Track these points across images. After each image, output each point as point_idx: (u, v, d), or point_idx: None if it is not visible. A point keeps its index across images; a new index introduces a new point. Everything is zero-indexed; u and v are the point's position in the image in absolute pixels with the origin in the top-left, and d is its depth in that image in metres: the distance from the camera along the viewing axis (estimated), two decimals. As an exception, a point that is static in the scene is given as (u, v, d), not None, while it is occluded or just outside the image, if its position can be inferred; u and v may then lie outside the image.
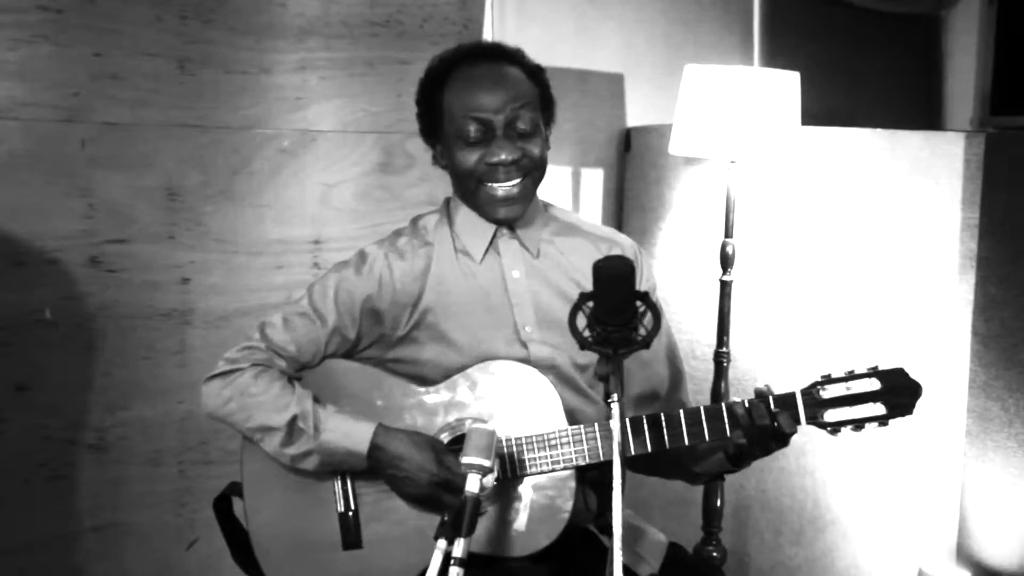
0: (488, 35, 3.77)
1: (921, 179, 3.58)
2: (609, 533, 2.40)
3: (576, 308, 2.04)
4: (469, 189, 2.45)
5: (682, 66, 3.47)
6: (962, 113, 4.50)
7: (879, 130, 3.62)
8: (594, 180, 4.16)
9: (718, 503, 3.54)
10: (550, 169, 3.90)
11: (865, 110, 4.41)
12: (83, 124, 3.15)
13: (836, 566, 3.69)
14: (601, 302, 2.01)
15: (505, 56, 2.50)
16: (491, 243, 2.49)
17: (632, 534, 2.45)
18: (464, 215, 2.51)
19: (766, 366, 3.68)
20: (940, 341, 3.61)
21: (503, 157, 2.37)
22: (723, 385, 3.48)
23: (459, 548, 1.91)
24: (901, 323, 3.59)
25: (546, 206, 2.61)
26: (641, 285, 2.54)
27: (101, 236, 3.21)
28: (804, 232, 3.62)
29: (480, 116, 2.38)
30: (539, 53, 3.98)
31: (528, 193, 2.45)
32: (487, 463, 2.02)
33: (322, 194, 3.53)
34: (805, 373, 3.59)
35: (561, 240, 2.55)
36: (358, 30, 3.52)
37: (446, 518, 1.97)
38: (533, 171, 2.44)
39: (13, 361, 3.14)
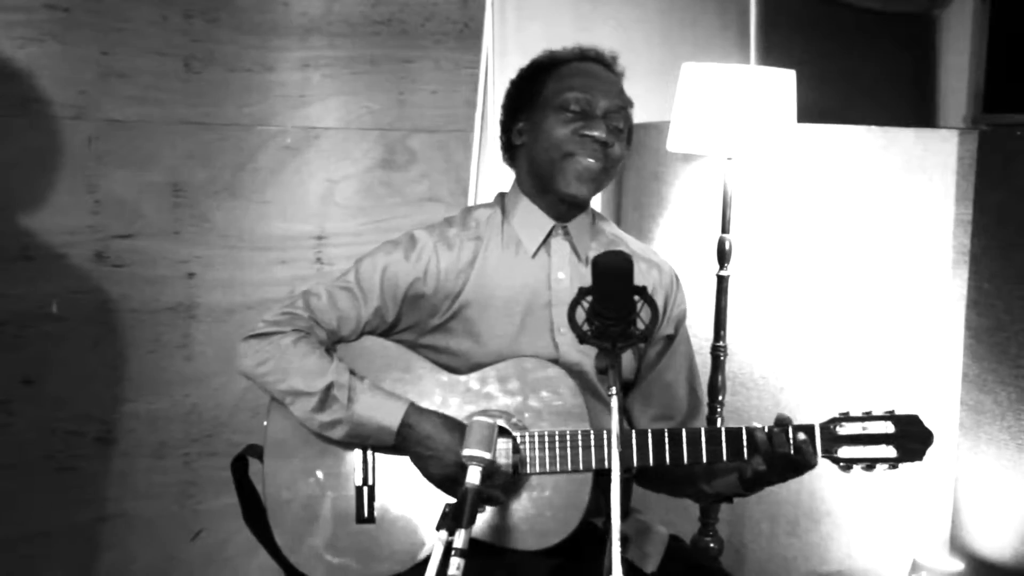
0: (488, 34, 3.77)
1: (915, 175, 3.58)
2: (622, 539, 2.41)
3: (575, 302, 2.04)
4: (551, 158, 2.44)
5: (679, 64, 3.47)
6: (956, 110, 4.50)
7: (874, 127, 3.62)
8: (593, 176, 4.15)
9: (716, 496, 3.54)
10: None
11: (860, 107, 4.40)
12: (90, 121, 3.15)
13: (831, 557, 3.70)
14: (599, 296, 2.01)
15: (616, 71, 2.60)
16: (545, 240, 2.50)
17: (638, 531, 2.46)
18: (524, 208, 2.52)
19: (763, 360, 3.68)
20: (933, 335, 3.61)
21: (597, 134, 2.40)
22: (720, 379, 3.48)
23: (460, 539, 1.91)
24: (895, 317, 3.60)
25: (597, 218, 2.62)
26: (672, 311, 2.60)
27: (108, 231, 3.22)
28: (800, 227, 3.62)
29: (588, 95, 2.43)
30: (539, 51, 3.99)
31: (601, 182, 2.47)
32: (487, 455, 2.02)
33: (325, 190, 3.54)
34: (800, 367, 3.61)
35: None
36: (360, 29, 3.52)
37: (447, 509, 1.97)
38: (611, 168, 2.47)
39: (21, 354, 3.14)
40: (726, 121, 3.30)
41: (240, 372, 2.46)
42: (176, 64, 3.27)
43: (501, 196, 2.60)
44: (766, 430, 2.27)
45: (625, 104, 2.52)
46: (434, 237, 2.50)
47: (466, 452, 2.03)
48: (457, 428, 2.32)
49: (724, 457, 2.30)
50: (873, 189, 3.59)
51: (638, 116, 4.12)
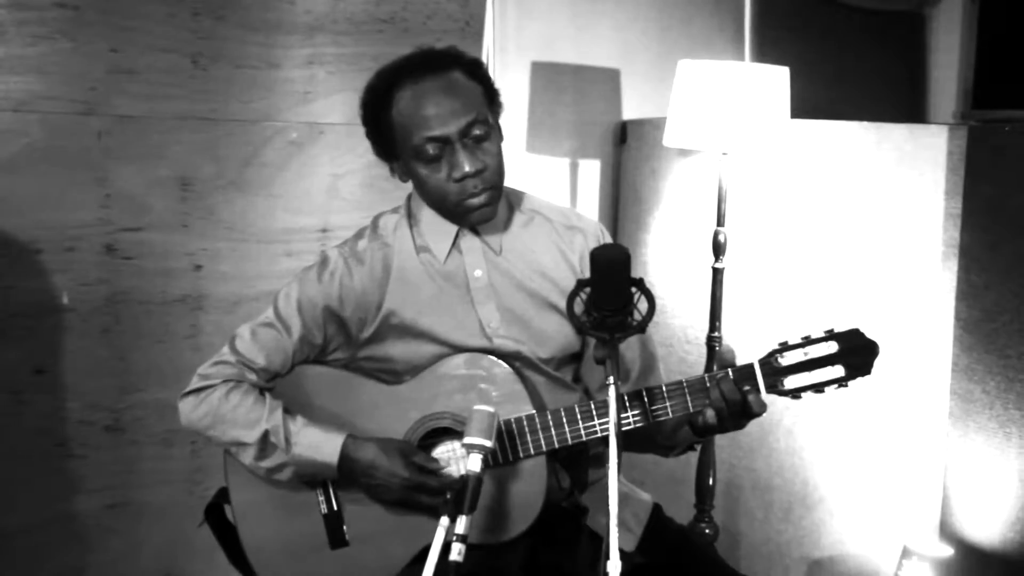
0: (489, 32, 3.77)
1: (906, 170, 3.57)
2: (582, 512, 2.38)
3: (574, 294, 2.03)
4: (445, 207, 2.39)
5: (676, 61, 3.47)
6: (945, 107, 4.49)
7: (865, 123, 3.61)
8: (591, 171, 4.16)
9: (710, 482, 3.54)
10: (549, 161, 3.89)
11: (852, 104, 4.40)
12: (99, 117, 3.15)
13: (824, 542, 3.69)
14: (598, 288, 2.00)
15: (442, 63, 2.38)
16: (454, 243, 2.44)
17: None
18: (428, 215, 2.46)
19: (757, 351, 3.67)
20: (924, 326, 3.60)
21: (467, 169, 2.30)
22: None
23: (461, 525, 1.91)
24: (886, 309, 3.59)
25: (510, 197, 2.53)
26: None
27: (117, 225, 3.21)
28: (793, 221, 3.62)
29: (435, 135, 2.30)
30: (538, 49, 3.99)
31: (497, 198, 2.39)
32: (488, 444, 2.01)
33: (329, 184, 3.53)
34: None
35: (524, 232, 2.50)
36: (364, 27, 3.51)
37: (449, 496, 1.96)
38: (498, 182, 2.38)
39: (32, 345, 3.14)
40: (721, 117, 3.29)
41: (185, 428, 2.46)
42: (184, 61, 3.26)
43: (409, 198, 2.54)
44: (707, 380, 2.23)
45: (472, 103, 2.35)
46: (344, 253, 2.47)
47: (467, 441, 2.02)
48: (397, 451, 2.30)
49: (670, 413, 2.23)
50: (865, 183, 3.59)
51: (636, 112, 4.16)
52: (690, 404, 2.23)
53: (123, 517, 3.33)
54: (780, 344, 2.24)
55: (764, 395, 2.20)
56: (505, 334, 2.41)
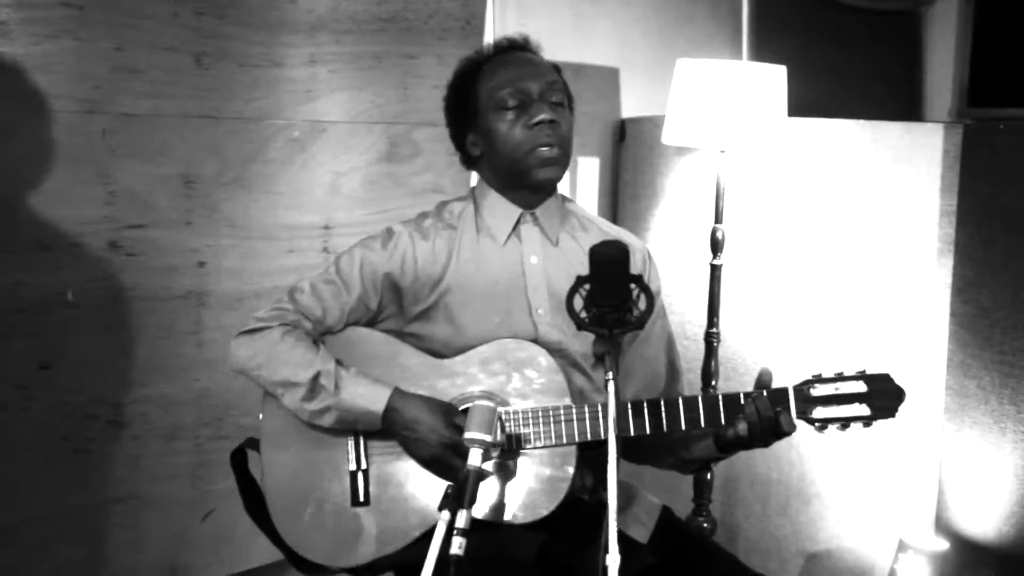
0: (489, 30, 3.77)
1: (902, 168, 3.57)
2: (603, 509, 2.40)
3: (573, 290, 2.04)
4: (513, 159, 2.46)
5: (674, 60, 3.47)
6: (941, 105, 4.49)
7: (862, 121, 3.61)
8: (591, 168, 4.16)
9: (708, 476, 3.54)
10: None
11: (849, 102, 4.40)
12: (104, 115, 3.14)
13: (820, 536, 3.70)
14: (597, 285, 2.01)
15: (531, 49, 2.60)
16: (514, 228, 2.52)
17: (627, 498, 2.46)
18: (492, 200, 2.54)
19: (754, 346, 3.67)
20: (920, 322, 3.61)
21: (542, 117, 2.41)
22: (713, 364, 3.48)
23: (461, 519, 1.91)
24: (883, 306, 3.59)
25: (566, 201, 2.63)
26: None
27: (121, 222, 3.20)
28: (791, 218, 3.62)
29: (518, 85, 2.45)
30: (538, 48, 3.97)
31: (565, 160, 2.49)
32: (488, 438, 2.02)
33: (331, 182, 3.53)
34: (791, 353, 3.61)
35: (581, 235, 2.57)
36: (366, 26, 3.51)
37: (449, 491, 1.97)
38: (567, 144, 2.48)
39: (37, 341, 3.13)
40: (719, 115, 3.29)
41: (234, 368, 2.49)
42: (187, 60, 3.25)
43: (473, 189, 2.62)
44: (743, 396, 2.27)
45: (555, 78, 2.53)
46: (410, 228, 2.54)
47: (468, 435, 2.03)
48: (441, 410, 2.33)
49: (703, 424, 2.30)
50: (862, 181, 3.59)
51: (635, 110, 4.16)
52: (723, 416, 2.29)
53: (126, 512, 3.32)
54: (814, 376, 2.30)
55: (795, 419, 2.26)
56: (551, 322, 2.46)
